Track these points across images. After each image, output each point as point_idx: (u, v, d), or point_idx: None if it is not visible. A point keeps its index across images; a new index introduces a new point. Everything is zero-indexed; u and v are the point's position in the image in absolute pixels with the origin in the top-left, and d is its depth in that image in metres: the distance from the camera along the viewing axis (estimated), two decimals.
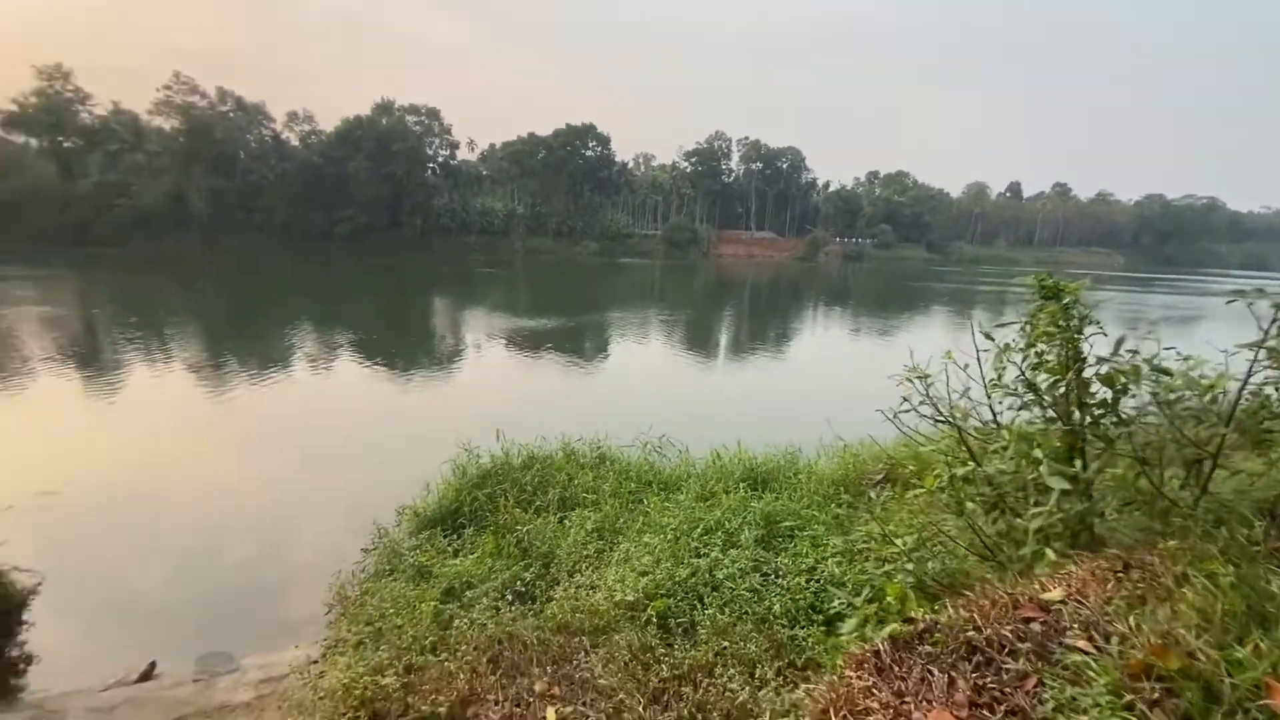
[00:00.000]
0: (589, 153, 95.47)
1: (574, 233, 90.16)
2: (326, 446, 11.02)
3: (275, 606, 6.07)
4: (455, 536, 5.34)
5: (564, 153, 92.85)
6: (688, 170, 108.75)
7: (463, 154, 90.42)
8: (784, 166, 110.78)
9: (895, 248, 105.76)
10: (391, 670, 3.18)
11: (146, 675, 4.30)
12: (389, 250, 66.89)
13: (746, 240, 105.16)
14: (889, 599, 2.17)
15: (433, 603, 4.00)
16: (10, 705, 4.08)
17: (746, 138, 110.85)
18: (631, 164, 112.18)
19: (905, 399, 3.00)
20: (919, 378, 3.05)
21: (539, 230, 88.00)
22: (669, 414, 7.68)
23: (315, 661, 3.91)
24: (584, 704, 2.88)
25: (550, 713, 2.85)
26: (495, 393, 15.16)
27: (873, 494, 3.63)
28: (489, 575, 4.34)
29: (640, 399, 14.14)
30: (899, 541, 2.96)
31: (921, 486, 3.09)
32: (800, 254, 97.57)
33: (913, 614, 1.84)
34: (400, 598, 4.24)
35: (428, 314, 30.43)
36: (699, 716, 2.71)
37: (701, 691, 2.84)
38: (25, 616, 5.24)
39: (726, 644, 3.21)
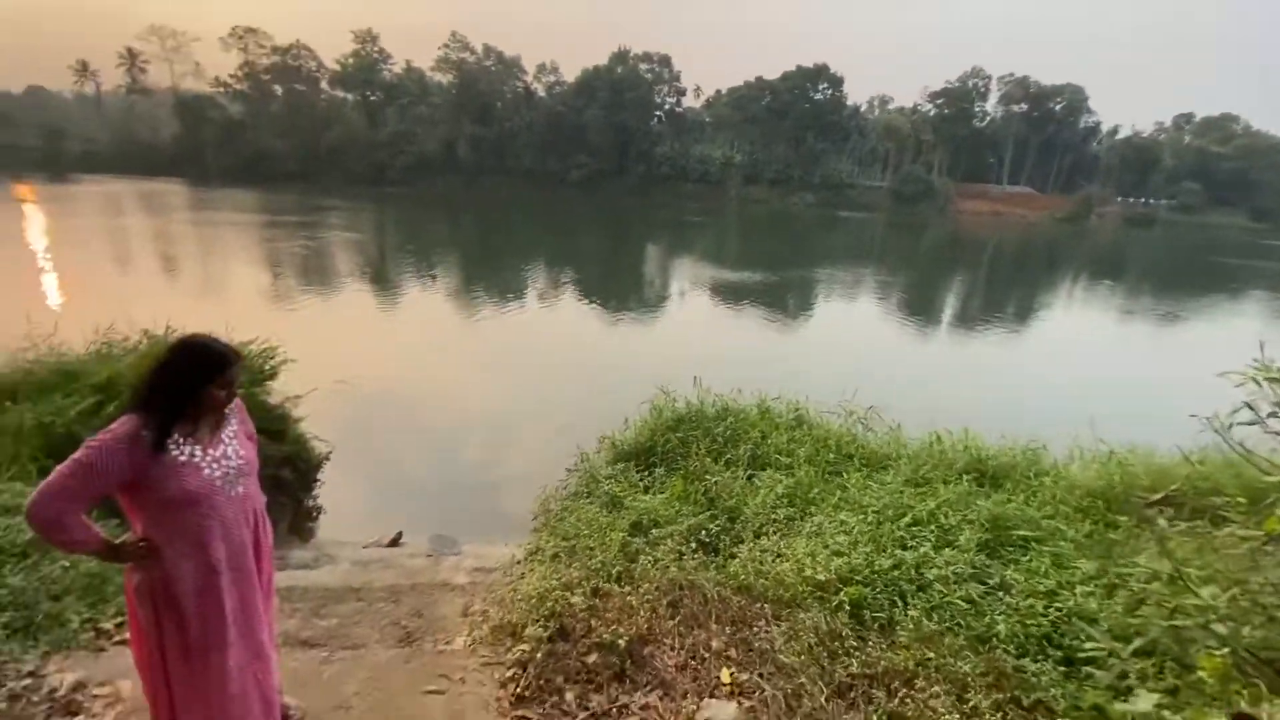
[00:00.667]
0: (818, 96, 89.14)
1: (791, 182, 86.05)
2: (546, 371, 12.21)
3: (491, 505, 6.93)
4: (647, 473, 5.48)
5: (790, 97, 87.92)
6: (931, 114, 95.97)
7: (688, 101, 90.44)
8: (1056, 108, 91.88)
9: (1202, 212, 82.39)
10: (580, 590, 3.35)
11: (394, 542, 5.19)
12: (613, 196, 70.74)
13: (996, 195, 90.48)
14: (1201, 672, 1.60)
15: (621, 533, 4.14)
16: (305, 544, 5.26)
17: (1011, 74, 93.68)
18: (865, 107, 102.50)
19: (1248, 405, 2.20)
20: (1273, 380, 2.22)
21: (755, 179, 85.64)
22: (876, 385, 6.92)
23: (519, 562, 4.33)
24: (761, 675, 2.73)
25: (725, 673, 2.76)
26: (693, 341, 15.31)
27: (1162, 521, 2.82)
28: (675, 518, 4.36)
29: (844, 364, 13.17)
30: (1204, 592, 2.24)
31: (1231, 521, 2.31)
32: (1064, 214, 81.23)
33: (1245, 709, 1.31)
34: (594, 521, 4.46)
35: (640, 259, 31.70)
36: None
37: (897, 701, 2.50)
38: (319, 476, 6.69)
39: (931, 655, 2.79)
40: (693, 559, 3.74)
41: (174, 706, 2.01)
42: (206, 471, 1.95)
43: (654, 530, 4.25)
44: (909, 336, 17.13)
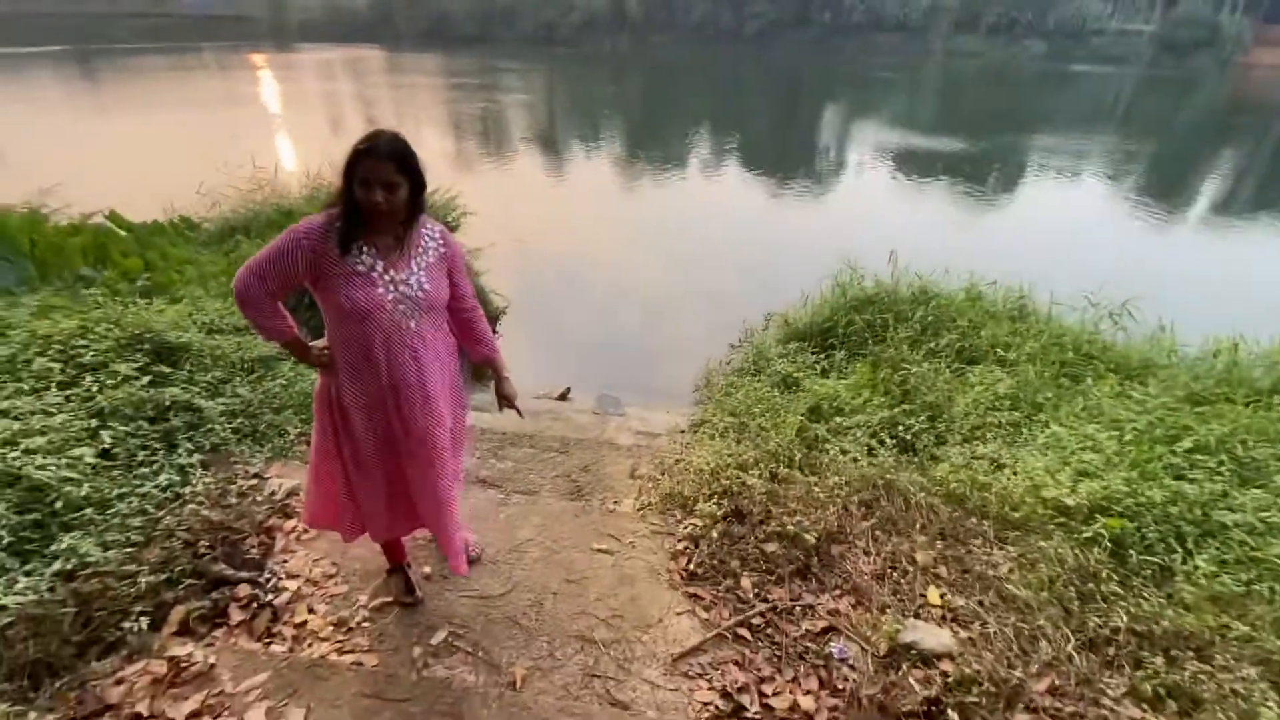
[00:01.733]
0: None
1: (1015, 28, 70.51)
2: (707, 243, 11.57)
3: (652, 371, 6.82)
4: (824, 356, 4.90)
5: None
6: None
7: None
8: None
9: None
10: (756, 472, 3.03)
11: (563, 396, 5.27)
12: (792, 51, 63.19)
13: None
14: None
15: (798, 416, 3.71)
16: (485, 388, 5.55)
17: None
18: None
19: None
20: None
21: (969, 26, 71.10)
22: (1118, 281, 5.38)
23: (683, 432, 4.13)
24: (981, 604, 2.25)
25: (934, 593, 2.32)
26: (872, 218, 13.52)
27: None
28: (862, 408, 3.82)
29: (1059, 255, 10.93)
30: None
31: None
32: None
33: None
34: (765, 400, 4.08)
35: (815, 123, 28.32)
36: (1174, 704, 1.82)
37: (1187, 675, 1.90)
38: (498, 328, 6.97)
39: (1230, 622, 2.10)
40: (888, 456, 3.22)
41: (356, 500, 2.10)
42: (380, 290, 1.84)
43: (836, 418, 3.76)
44: (1156, 224, 13.61)
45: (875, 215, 13.84)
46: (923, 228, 12.70)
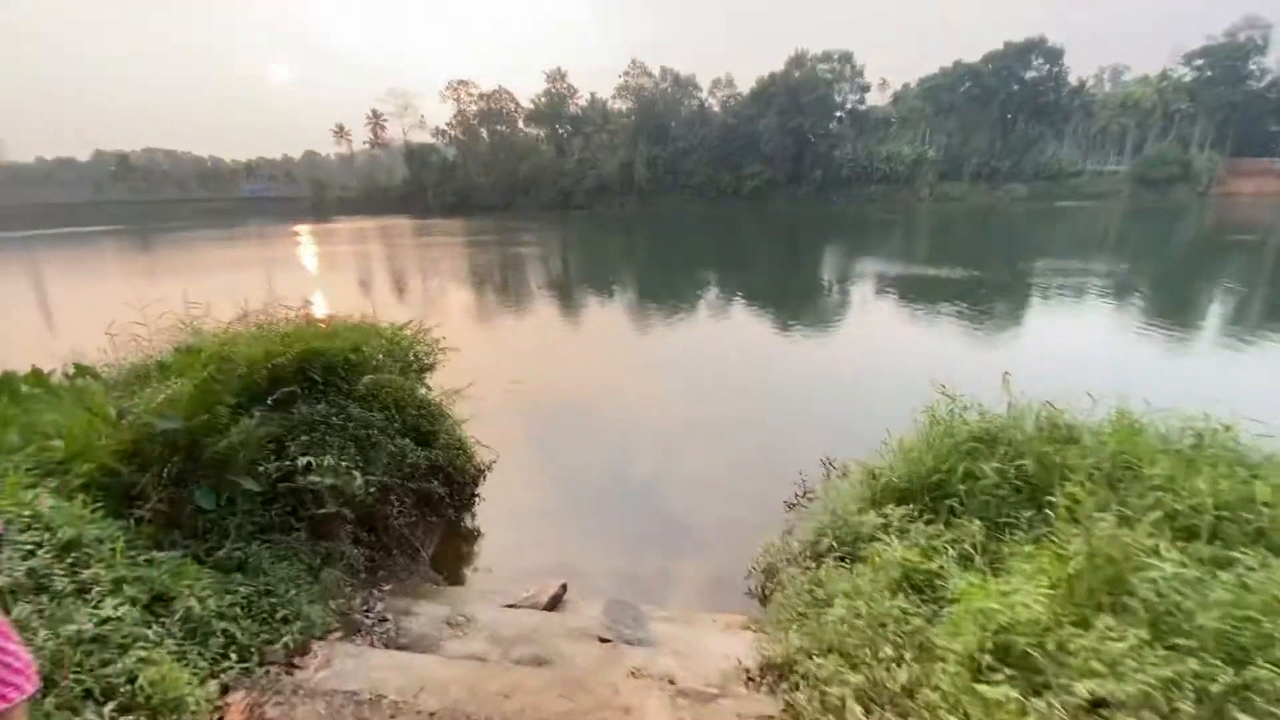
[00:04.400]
0: (1031, 74, 77.71)
1: (997, 175, 75.50)
2: (726, 382, 10.26)
3: (681, 545, 5.14)
4: (945, 527, 3.30)
5: (995, 80, 77.63)
6: (1187, 79, 78.37)
7: (874, 97, 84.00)
8: None
9: None
10: None
11: (555, 602, 3.61)
12: (789, 205, 67.41)
13: None
14: None
15: (964, 664, 2.06)
16: (444, 589, 3.94)
17: None
18: (1091, 82, 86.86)
19: None
20: None
21: (952, 175, 76.34)
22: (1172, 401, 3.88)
23: (752, 680, 2.45)
24: None
25: None
26: (880, 350, 12.24)
27: None
28: (1097, 649, 2.14)
29: (1074, 377, 9.48)
30: None
31: None
32: None
33: None
34: (883, 622, 2.44)
35: (815, 265, 28.43)
36: None
37: None
38: (479, 491, 5.46)
39: None
40: None
41: None
42: None
43: (1039, 664, 2.10)
44: (1161, 345, 12.05)
45: (886, 345, 12.57)
46: (936, 354, 11.40)
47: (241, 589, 2.84)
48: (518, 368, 10.59)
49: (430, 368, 5.45)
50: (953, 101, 79.85)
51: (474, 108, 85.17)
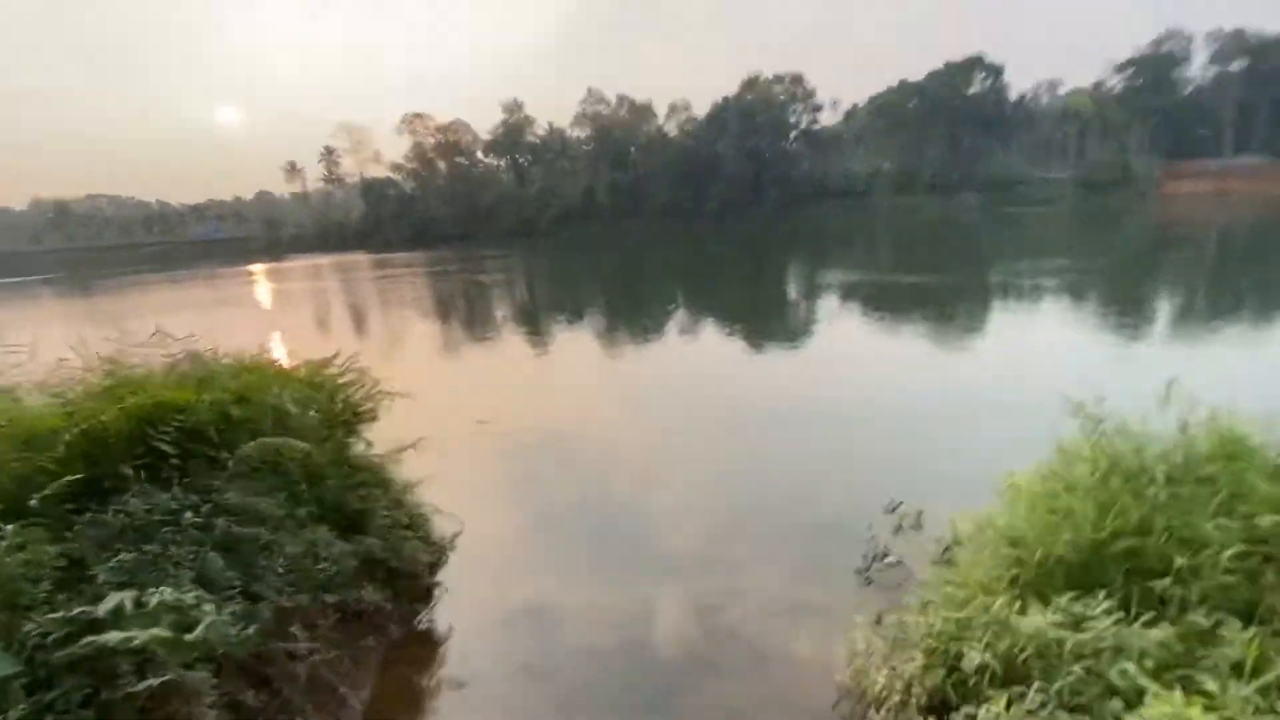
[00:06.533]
0: (974, 89, 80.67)
1: (950, 186, 77.44)
2: (718, 411, 9.00)
3: (700, 633, 3.82)
4: (1152, 620, 2.10)
5: (941, 95, 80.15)
6: (1119, 89, 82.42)
7: (826, 117, 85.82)
8: None
9: None
10: None
11: None
12: (749, 224, 67.53)
13: (1217, 170, 73.96)
14: None
15: None
16: None
17: (1220, 29, 77.84)
18: (1030, 95, 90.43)
19: None
20: None
21: (906, 188, 78.02)
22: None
23: None
24: None
25: None
26: (851, 364, 11.16)
27: None
28: None
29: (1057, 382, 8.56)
30: None
31: None
32: None
33: None
34: None
35: (782, 277, 27.67)
36: None
37: None
38: (438, 578, 4.07)
39: None
40: None
41: None
42: None
43: None
44: (1120, 338, 11.31)
45: (857, 358, 11.52)
46: (904, 364, 10.45)
47: None
48: (485, 404, 9.19)
49: (365, 418, 4.07)
50: (902, 118, 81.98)
51: (431, 140, 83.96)
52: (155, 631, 1.97)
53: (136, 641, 1.93)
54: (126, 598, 2.03)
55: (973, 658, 2.31)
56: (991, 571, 2.66)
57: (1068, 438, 3.02)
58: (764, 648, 3.53)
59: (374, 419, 4.22)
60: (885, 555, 3.89)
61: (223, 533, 2.61)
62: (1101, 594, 2.28)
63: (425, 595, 4.04)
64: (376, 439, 4.51)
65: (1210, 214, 44.99)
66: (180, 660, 2.11)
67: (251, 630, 2.39)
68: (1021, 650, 2.22)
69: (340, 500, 3.41)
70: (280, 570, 2.73)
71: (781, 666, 3.32)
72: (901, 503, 4.40)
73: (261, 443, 2.95)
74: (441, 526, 4.56)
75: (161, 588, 2.13)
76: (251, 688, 2.53)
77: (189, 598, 2.16)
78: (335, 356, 4.17)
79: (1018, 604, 2.41)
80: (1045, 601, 2.39)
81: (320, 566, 2.94)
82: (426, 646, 3.68)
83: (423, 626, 3.86)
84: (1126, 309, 14.38)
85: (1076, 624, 2.23)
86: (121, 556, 2.27)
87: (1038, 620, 2.24)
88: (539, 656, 3.64)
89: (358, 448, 4.34)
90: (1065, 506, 2.65)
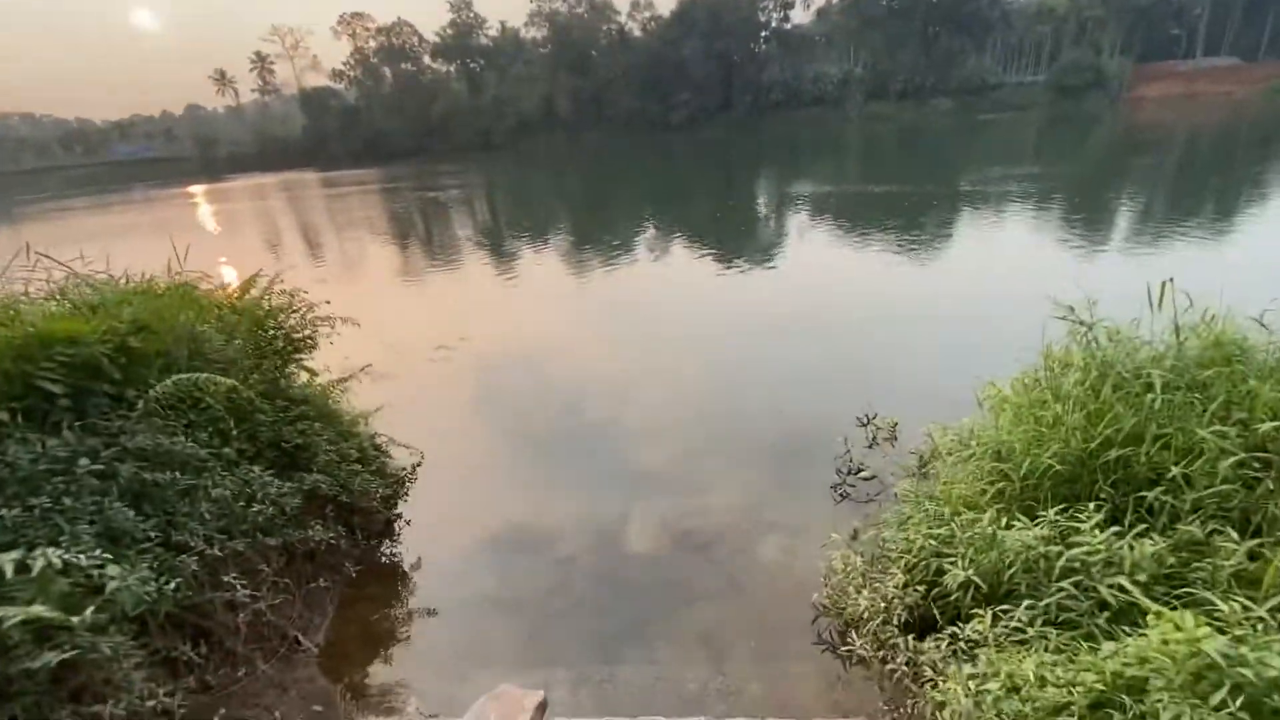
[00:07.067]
0: None
1: (923, 91, 75.28)
2: (661, 324, 8.76)
3: (693, 568, 3.74)
4: (1143, 531, 2.01)
5: None
6: None
7: (798, 15, 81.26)
8: None
9: None
10: None
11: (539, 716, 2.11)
12: (718, 133, 65.06)
13: (1186, 73, 73.44)
14: None
15: None
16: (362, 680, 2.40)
17: None
18: None
19: None
20: None
21: (880, 94, 75.50)
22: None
23: None
24: None
25: None
26: (822, 282, 10.88)
27: None
28: None
29: (1021, 299, 8.54)
30: None
31: None
32: None
33: None
34: None
35: (752, 190, 26.83)
36: None
37: None
38: (398, 510, 3.88)
39: None
40: None
41: None
42: None
43: None
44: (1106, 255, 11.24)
45: (833, 270, 11.29)
46: (876, 277, 10.27)
47: None
48: (446, 330, 8.77)
49: (303, 346, 3.70)
50: (875, 15, 78.02)
51: (373, 44, 77.09)
52: (36, 609, 1.68)
53: (7, 623, 1.65)
54: (4, 561, 1.75)
55: (956, 574, 2.22)
56: (974, 485, 2.55)
57: (1054, 345, 2.86)
58: (738, 568, 3.47)
59: (313, 347, 3.85)
60: (860, 470, 3.81)
61: (131, 480, 2.31)
62: (1091, 506, 2.18)
63: (385, 530, 3.86)
64: (329, 370, 4.17)
65: (1182, 117, 44.70)
66: (89, 626, 1.87)
67: (173, 585, 2.16)
68: (1010, 566, 2.13)
69: (276, 436, 3.12)
70: (207, 516, 2.47)
71: (757, 587, 3.27)
72: (875, 415, 4.29)
73: (176, 379, 2.58)
74: (401, 458, 4.33)
75: (48, 549, 1.83)
76: (188, 641, 2.33)
77: (84, 559, 1.88)
78: (256, 276, 3.71)
79: (1003, 519, 2.30)
80: (1031, 516, 2.28)
81: (255, 509, 2.69)
82: (387, 582, 3.53)
83: (386, 561, 3.70)
84: (1095, 216, 14.32)
85: (1064, 538, 2.13)
86: None
87: (1024, 534, 2.14)
88: (506, 588, 3.53)
89: (302, 379, 4.00)
90: (1053, 416, 2.52)
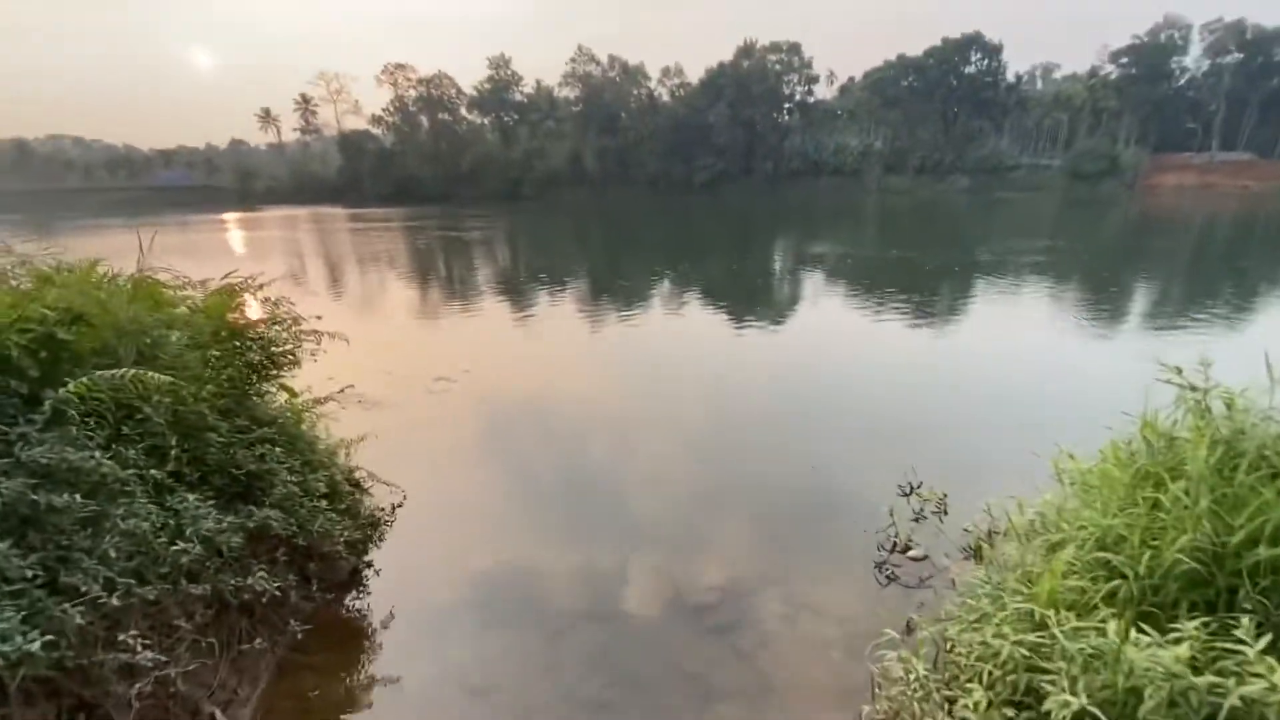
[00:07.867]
0: (970, 69, 79.68)
1: (940, 168, 76.88)
2: (674, 372, 8.32)
3: (709, 655, 3.16)
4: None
5: (937, 73, 79.07)
6: (1113, 77, 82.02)
7: (821, 90, 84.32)
8: None
9: None
10: None
11: None
12: (740, 197, 66.34)
13: (1200, 165, 74.57)
14: None
15: None
16: None
17: (1220, 20, 77.23)
18: (1026, 78, 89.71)
19: None
20: None
21: (897, 168, 77.25)
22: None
23: None
24: None
25: None
26: (842, 340, 10.58)
27: None
28: None
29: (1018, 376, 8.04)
30: None
31: None
32: None
33: None
34: None
35: (769, 253, 26.78)
36: None
37: None
38: (368, 559, 3.36)
39: None
40: None
41: None
42: None
43: None
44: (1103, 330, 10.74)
45: (844, 338, 10.84)
46: (890, 349, 9.80)
47: None
48: (449, 363, 8.38)
49: (281, 361, 3.28)
50: (897, 95, 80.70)
51: (413, 93, 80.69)
52: None
53: None
54: None
55: (1063, 700, 1.68)
56: (1072, 581, 2.02)
57: (1151, 417, 2.37)
58: (767, 661, 2.87)
59: (294, 363, 3.44)
60: (908, 548, 3.27)
61: (16, 500, 1.85)
62: (1245, 620, 1.65)
63: (351, 580, 3.33)
64: (311, 390, 3.75)
65: (1196, 207, 44.96)
66: None
67: (42, 641, 1.66)
68: (1143, 698, 1.59)
69: (228, 461, 2.66)
70: (113, 553, 1.99)
71: (792, 689, 2.68)
72: (920, 484, 3.77)
73: (93, 377, 2.14)
74: (382, 495, 3.85)
75: None
76: (63, 716, 1.82)
77: None
78: (233, 277, 3.34)
79: (1123, 628, 1.78)
80: (1156, 627, 1.76)
81: (180, 547, 2.20)
82: (340, 646, 2.95)
83: (343, 619, 3.16)
84: (1113, 295, 13.91)
85: (1213, 661, 1.60)
86: None
87: (1161, 654, 1.61)
88: (482, 666, 2.96)
89: (280, 399, 3.58)
90: (1172, 500, 2.02)
